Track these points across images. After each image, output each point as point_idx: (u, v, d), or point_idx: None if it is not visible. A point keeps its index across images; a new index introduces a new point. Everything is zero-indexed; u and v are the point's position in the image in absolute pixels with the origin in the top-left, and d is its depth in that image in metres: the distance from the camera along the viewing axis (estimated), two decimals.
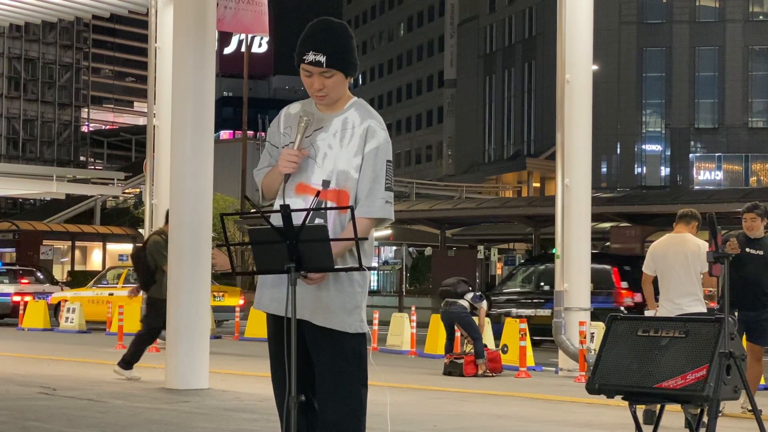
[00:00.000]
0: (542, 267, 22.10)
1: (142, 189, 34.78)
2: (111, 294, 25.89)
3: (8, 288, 29.17)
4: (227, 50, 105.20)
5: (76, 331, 23.95)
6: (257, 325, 21.25)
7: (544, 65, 63.22)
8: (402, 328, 19.25)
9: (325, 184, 3.97)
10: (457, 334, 15.45)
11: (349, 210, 3.85)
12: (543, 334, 19.03)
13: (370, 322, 20.27)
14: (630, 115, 60.69)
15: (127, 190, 57.66)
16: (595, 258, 19.12)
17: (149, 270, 12.39)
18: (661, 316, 8.44)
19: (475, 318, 14.74)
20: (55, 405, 9.36)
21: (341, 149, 4.00)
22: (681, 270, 8.84)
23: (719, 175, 60.40)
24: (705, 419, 5.53)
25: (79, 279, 39.77)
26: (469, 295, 14.85)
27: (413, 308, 20.77)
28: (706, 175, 60.75)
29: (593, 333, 14.31)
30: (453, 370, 14.14)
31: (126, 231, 50.77)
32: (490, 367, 14.30)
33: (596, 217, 25.39)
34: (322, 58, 3.94)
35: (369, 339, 4.05)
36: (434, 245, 41.83)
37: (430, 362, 16.41)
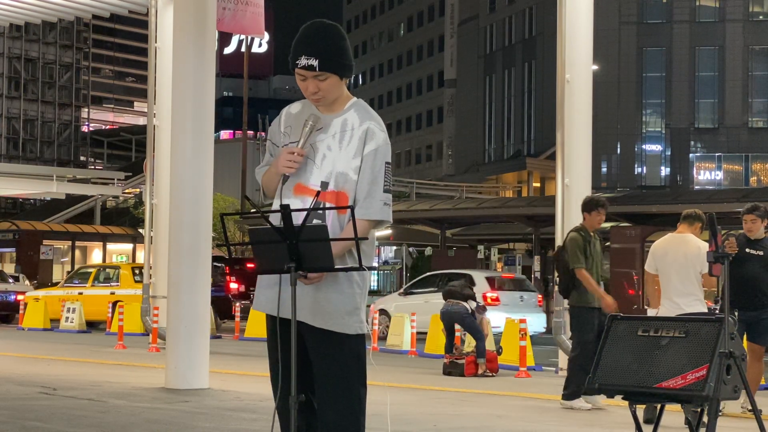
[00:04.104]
0: None
1: (142, 189, 34.79)
2: (80, 293, 26.11)
3: None
4: (227, 50, 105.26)
5: (76, 331, 23.97)
6: (257, 325, 21.26)
7: (544, 65, 63.25)
8: (402, 328, 19.26)
9: (324, 185, 3.96)
10: (458, 334, 15.47)
11: (348, 210, 3.85)
12: None
13: (369, 322, 20.19)
14: (630, 115, 60.70)
15: (127, 190, 57.67)
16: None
17: (570, 273, 10.06)
18: (661, 316, 8.45)
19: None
20: (55, 405, 9.36)
21: (340, 151, 3.99)
22: (680, 270, 8.85)
23: (719, 175, 60.41)
24: (705, 419, 5.53)
25: None
26: (473, 303, 14.90)
27: None
28: (706, 175, 60.76)
29: None
30: (453, 370, 14.15)
31: (126, 231, 50.77)
32: (487, 366, 14.33)
33: None
34: (315, 62, 3.92)
35: (369, 339, 4.05)
36: (434, 245, 41.82)
37: (430, 362, 16.41)
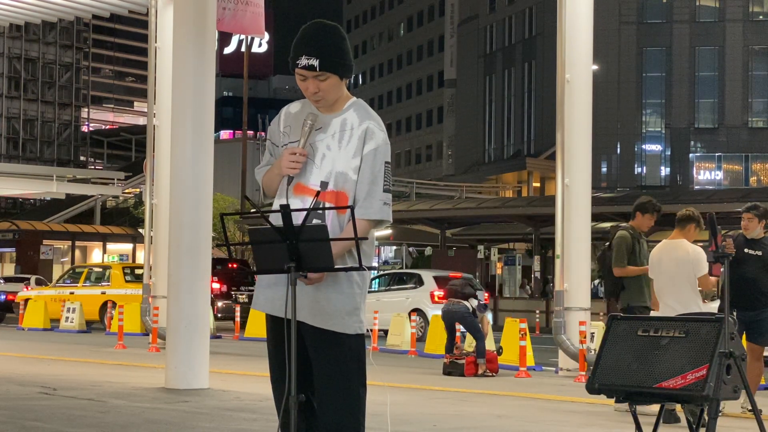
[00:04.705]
0: None
1: (142, 189, 34.84)
2: (72, 293, 26.39)
3: None
4: (227, 50, 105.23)
5: (76, 331, 24.00)
6: (257, 325, 21.27)
7: (544, 65, 63.24)
8: (402, 328, 19.26)
9: (323, 185, 3.96)
10: (458, 333, 15.46)
11: (348, 210, 3.85)
12: None
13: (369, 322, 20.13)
14: (630, 115, 60.70)
15: (127, 190, 57.72)
16: None
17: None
18: (661, 316, 8.44)
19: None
20: (55, 405, 9.36)
21: (340, 150, 3.99)
22: (673, 276, 8.81)
23: (719, 175, 60.41)
24: (705, 419, 5.53)
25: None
26: (474, 302, 14.89)
27: None
28: (706, 175, 60.76)
29: (593, 333, 14.32)
30: (453, 370, 14.15)
31: (126, 231, 50.80)
32: (487, 367, 14.32)
33: (596, 217, 25.45)
34: (315, 62, 3.92)
35: (369, 339, 4.05)
36: (434, 245, 41.83)
37: (430, 362, 16.41)
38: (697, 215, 8.97)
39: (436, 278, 25.05)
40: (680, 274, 8.72)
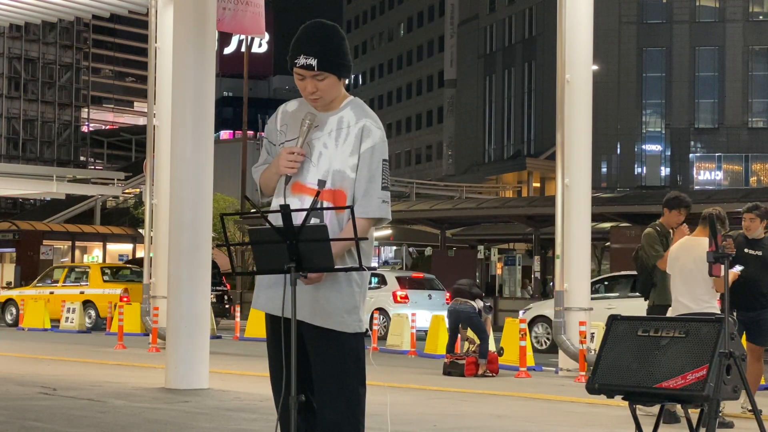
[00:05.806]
0: None
1: (142, 189, 34.82)
2: (52, 293, 26.75)
3: None
4: (227, 50, 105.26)
5: (76, 331, 24.01)
6: (257, 325, 21.27)
7: (544, 65, 63.24)
8: (402, 328, 19.26)
9: (321, 183, 3.96)
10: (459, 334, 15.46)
11: (348, 210, 3.85)
12: None
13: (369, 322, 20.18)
14: (630, 115, 60.70)
15: (127, 190, 57.70)
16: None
17: (648, 271, 9.73)
18: (662, 316, 8.43)
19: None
20: (55, 405, 9.36)
21: (336, 149, 3.99)
22: (689, 273, 8.77)
23: (719, 175, 60.41)
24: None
25: None
26: (480, 303, 14.88)
27: None
28: (706, 175, 60.75)
29: (593, 333, 14.32)
30: (453, 370, 14.14)
31: (126, 231, 50.78)
32: (488, 368, 14.31)
33: (596, 217, 25.47)
34: (314, 62, 3.92)
35: (368, 338, 4.05)
36: (434, 245, 41.84)
37: (430, 362, 16.41)
38: (723, 215, 8.82)
39: (398, 279, 25.37)
40: (697, 271, 8.66)
